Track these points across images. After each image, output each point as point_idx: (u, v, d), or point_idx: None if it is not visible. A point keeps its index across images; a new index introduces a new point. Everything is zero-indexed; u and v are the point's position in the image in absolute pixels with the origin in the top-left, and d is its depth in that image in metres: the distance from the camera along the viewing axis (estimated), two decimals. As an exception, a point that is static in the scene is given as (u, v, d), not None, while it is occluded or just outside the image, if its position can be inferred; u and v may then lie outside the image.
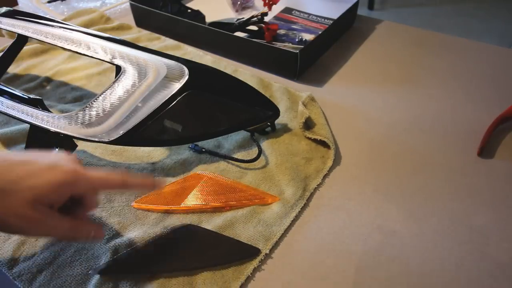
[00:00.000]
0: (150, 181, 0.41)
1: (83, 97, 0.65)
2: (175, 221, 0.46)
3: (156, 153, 0.55)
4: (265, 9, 0.77)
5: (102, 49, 0.51)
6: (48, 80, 0.69)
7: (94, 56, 0.51)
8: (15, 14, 0.58)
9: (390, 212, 0.48)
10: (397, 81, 0.69)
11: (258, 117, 0.54)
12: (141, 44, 0.54)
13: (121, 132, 0.46)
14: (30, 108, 0.49)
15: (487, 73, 0.69)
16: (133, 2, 0.82)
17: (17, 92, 0.52)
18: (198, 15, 0.83)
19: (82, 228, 0.37)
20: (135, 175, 0.40)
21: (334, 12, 0.81)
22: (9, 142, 0.56)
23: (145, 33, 0.83)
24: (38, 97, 0.51)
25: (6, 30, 0.58)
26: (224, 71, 0.61)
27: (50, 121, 0.47)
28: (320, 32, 0.72)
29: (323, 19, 0.84)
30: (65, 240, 0.44)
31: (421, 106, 0.63)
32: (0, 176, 0.32)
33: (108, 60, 0.50)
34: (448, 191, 0.50)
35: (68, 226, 0.36)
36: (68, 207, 0.37)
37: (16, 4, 0.96)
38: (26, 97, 0.51)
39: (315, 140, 0.56)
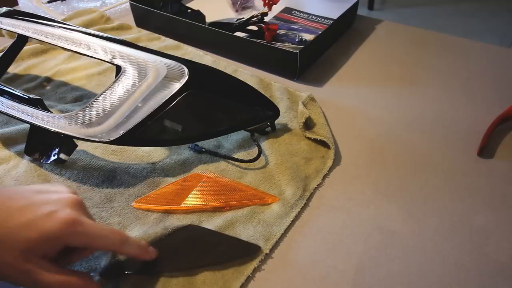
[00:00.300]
0: (145, 249, 0.39)
1: (83, 97, 0.65)
2: (175, 221, 0.46)
3: (156, 153, 0.55)
4: (265, 9, 0.77)
5: (102, 49, 0.51)
6: (48, 80, 0.69)
7: (94, 56, 0.51)
8: (15, 14, 0.58)
9: (390, 212, 0.48)
10: (397, 81, 0.69)
11: (258, 117, 0.54)
12: (141, 44, 0.54)
13: (121, 132, 0.46)
14: (30, 108, 0.49)
15: (487, 73, 0.69)
16: (133, 2, 0.82)
17: (17, 92, 0.52)
18: (198, 15, 0.83)
19: (74, 285, 0.34)
20: (133, 239, 0.38)
21: (334, 12, 0.81)
22: (9, 142, 0.56)
23: (145, 33, 0.83)
24: (38, 97, 0.51)
25: (6, 30, 0.58)
26: (224, 71, 0.61)
27: (50, 121, 0.47)
28: (320, 32, 0.72)
29: (323, 19, 0.84)
30: None
31: (421, 106, 0.63)
32: None
33: (108, 60, 0.50)
34: (448, 191, 0.50)
35: (59, 282, 0.33)
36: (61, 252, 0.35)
37: (16, 4, 0.96)
38: (26, 97, 0.51)
39: (315, 140, 0.56)
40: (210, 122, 0.51)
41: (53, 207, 0.33)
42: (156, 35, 0.82)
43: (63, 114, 0.47)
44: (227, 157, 0.54)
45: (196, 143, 0.55)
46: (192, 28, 0.75)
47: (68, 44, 0.52)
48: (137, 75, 0.48)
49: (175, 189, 0.49)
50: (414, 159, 0.54)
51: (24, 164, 0.53)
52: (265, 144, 0.56)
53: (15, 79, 0.69)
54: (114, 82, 0.48)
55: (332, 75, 0.70)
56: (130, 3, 0.83)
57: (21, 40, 0.59)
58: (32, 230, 0.32)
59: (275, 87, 0.66)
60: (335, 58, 0.75)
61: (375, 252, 0.44)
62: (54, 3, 0.94)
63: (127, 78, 0.48)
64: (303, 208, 0.48)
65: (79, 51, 0.52)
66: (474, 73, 0.69)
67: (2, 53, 0.60)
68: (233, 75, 0.61)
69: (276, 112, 0.55)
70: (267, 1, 0.79)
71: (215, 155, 0.54)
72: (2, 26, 0.57)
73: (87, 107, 0.47)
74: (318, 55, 0.75)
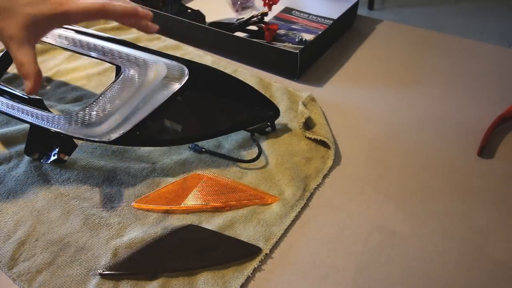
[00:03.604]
0: (133, 9, 0.44)
1: (83, 97, 0.65)
2: (175, 221, 0.46)
3: (156, 153, 0.55)
4: (265, 9, 0.77)
5: (102, 49, 0.51)
6: (48, 80, 0.69)
7: (94, 56, 0.51)
8: (15, 14, 0.58)
9: (390, 212, 0.48)
10: (397, 81, 0.68)
11: (258, 117, 0.54)
12: (141, 44, 0.54)
13: (121, 132, 0.46)
14: (30, 108, 0.49)
15: (487, 73, 0.69)
16: (132, 2, 0.82)
17: (17, 92, 0.52)
18: (198, 15, 0.83)
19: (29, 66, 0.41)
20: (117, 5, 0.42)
21: (334, 12, 0.81)
22: (9, 142, 0.56)
23: (145, 33, 0.83)
24: (38, 97, 0.51)
25: (6, 30, 0.58)
26: (224, 71, 0.61)
27: (50, 121, 0.47)
28: (320, 32, 0.72)
29: (323, 19, 0.84)
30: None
31: (421, 106, 0.63)
32: None
33: (108, 60, 0.50)
34: (448, 191, 0.50)
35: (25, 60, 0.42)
36: None
37: (16, 4, 0.96)
38: (26, 97, 0.51)
39: (315, 140, 0.56)
40: (210, 122, 0.51)
41: None
42: (156, 35, 0.82)
43: (63, 114, 0.47)
44: (227, 157, 0.54)
45: (196, 143, 0.55)
46: (192, 28, 0.75)
47: (68, 44, 0.52)
48: (137, 75, 0.48)
49: (175, 189, 0.49)
50: (414, 159, 0.54)
51: (24, 164, 0.53)
52: (265, 144, 0.56)
53: (15, 79, 0.69)
54: (114, 82, 0.48)
55: (332, 75, 0.70)
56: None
57: (21, 40, 0.58)
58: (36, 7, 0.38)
59: (275, 87, 0.66)
60: (335, 58, 0.75)
61: (375, 252, 0.44)
62: (54, 3, 0.93)
63: (127, 78, 0.48)
64: (303, 208, 0.48)
65: (79, 51, 0.52)
66: (474, 73, 0.69)
67: (2, 53, 0.60)
68: (233, 75, 0.61)
69: (276, 112, 0.55)
70: (267, 1, 0.79)
71: (215, 155, 0.54)
72: (2, 26, 0.57)
73: (87, 107, 0.47)
74: (318, 55, 0.75)
